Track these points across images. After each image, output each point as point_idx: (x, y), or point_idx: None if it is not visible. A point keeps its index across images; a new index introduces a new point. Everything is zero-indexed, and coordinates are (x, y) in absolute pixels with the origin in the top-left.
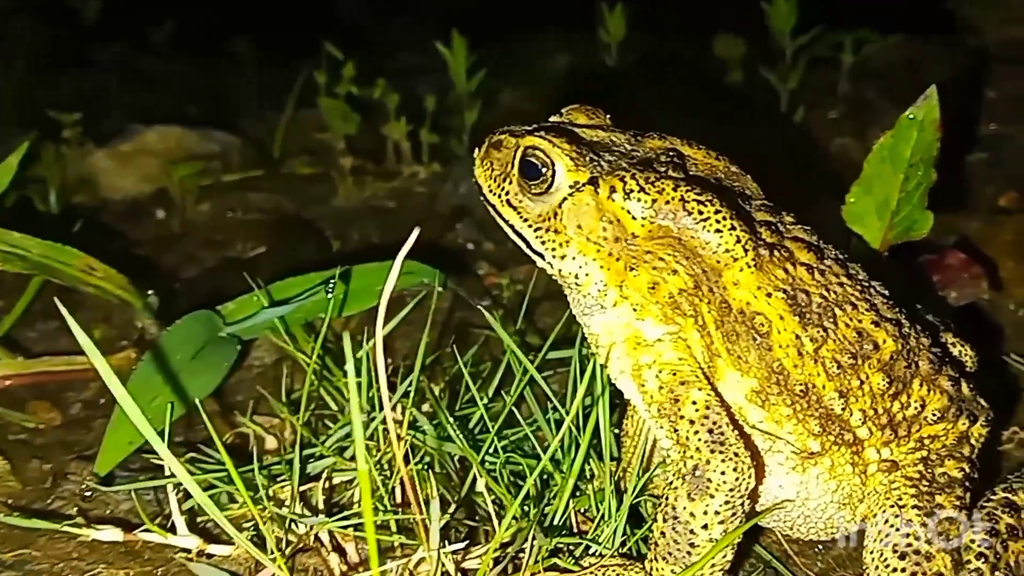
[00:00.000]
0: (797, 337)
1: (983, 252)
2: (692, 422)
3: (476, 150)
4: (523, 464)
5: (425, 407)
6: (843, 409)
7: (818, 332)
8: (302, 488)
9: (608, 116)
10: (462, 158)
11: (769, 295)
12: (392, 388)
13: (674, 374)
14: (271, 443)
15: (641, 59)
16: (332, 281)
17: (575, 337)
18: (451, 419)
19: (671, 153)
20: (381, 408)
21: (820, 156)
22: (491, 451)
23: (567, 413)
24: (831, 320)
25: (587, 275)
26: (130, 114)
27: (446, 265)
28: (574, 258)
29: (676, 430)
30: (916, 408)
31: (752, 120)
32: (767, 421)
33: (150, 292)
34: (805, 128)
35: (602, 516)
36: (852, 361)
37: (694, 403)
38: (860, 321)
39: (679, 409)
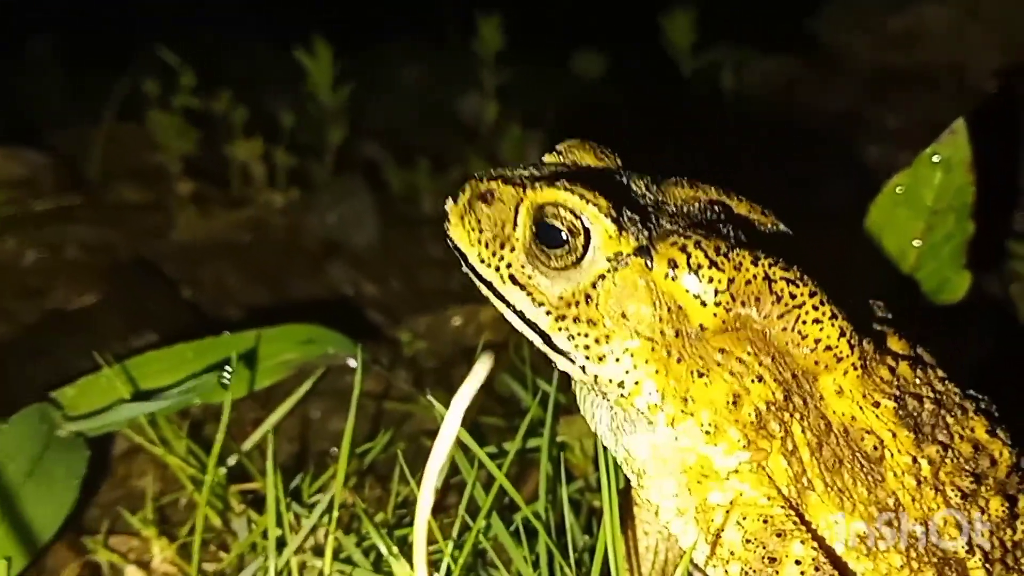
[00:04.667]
0: (914, 460)
1: None
2: None
3: (450, 201)
4: None
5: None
6: (966, 550)
7: (936, 451)
8: None
9: (617, 155)
10: (326, 184)
11: (877, 404)
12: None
13: (764, 521)
14: None
15: (519, 73)
16: (228, 369)
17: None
18: (391, 543)
19: (716, 208)
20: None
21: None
22: None
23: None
24: (945, 432)
25: (636, 383)
26: None
27: (323, 316)
28: (618, 359)
29: None
30: None
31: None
32: (871, 575)
33: None
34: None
35: None
36: (974, 486)
37: (797, 563)
38: (973, 430)
39: (776, 573)
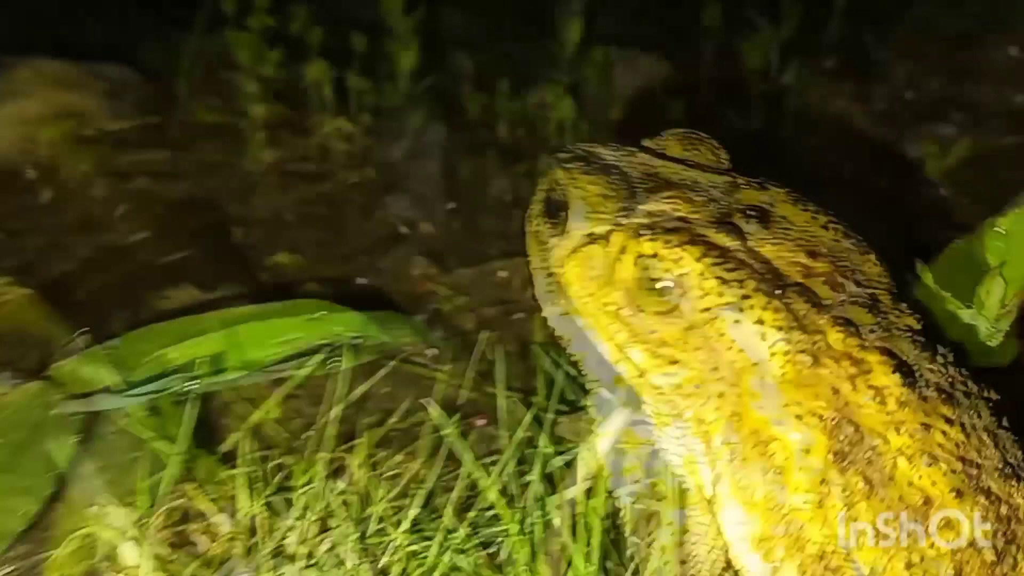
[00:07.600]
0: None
1: None
2: None
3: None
4: None
5: None
6: None
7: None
8: None
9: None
10: (397, 111)
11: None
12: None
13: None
14: (128, 555)
15: None
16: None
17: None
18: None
19: (751, 213)
20: None
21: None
22: None
23: None
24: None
25: None
26: None
27: (369, 254)
28: None
29: None
30: None
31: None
32: None
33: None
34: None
35: None
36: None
37: None
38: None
39: None
